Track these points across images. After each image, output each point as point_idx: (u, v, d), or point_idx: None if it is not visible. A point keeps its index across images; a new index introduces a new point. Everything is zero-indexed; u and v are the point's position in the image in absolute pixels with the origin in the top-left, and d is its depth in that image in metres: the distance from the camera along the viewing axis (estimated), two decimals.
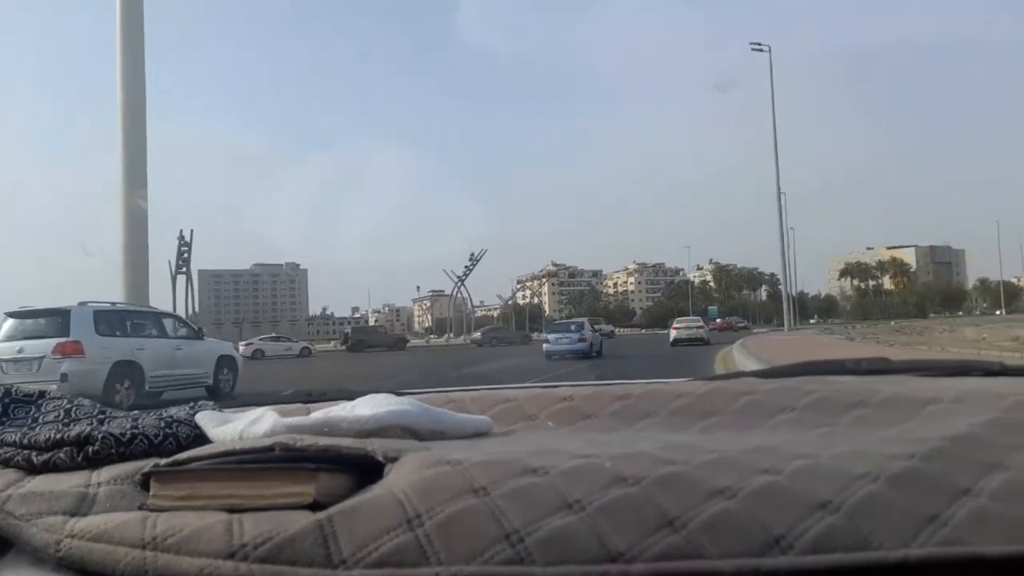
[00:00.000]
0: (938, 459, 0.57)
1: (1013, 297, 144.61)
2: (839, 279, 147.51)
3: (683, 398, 0.90)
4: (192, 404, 0.97)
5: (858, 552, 0.49)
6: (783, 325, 52.86)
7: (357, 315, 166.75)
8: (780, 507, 0.52)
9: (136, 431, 0.82)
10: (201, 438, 0.84)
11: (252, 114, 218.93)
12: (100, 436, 0.79)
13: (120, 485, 0.72)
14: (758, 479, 0.55)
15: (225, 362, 13.07)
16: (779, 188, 33.74)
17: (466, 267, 74.54)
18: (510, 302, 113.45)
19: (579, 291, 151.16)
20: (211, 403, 1.00)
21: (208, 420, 0.86)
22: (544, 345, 22.96)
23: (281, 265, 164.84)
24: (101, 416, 0.90)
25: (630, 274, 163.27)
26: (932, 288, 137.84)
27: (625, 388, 0.97)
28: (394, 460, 0.64)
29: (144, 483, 0.71)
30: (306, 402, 1.15)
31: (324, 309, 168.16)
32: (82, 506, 0.68)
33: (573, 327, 23.24)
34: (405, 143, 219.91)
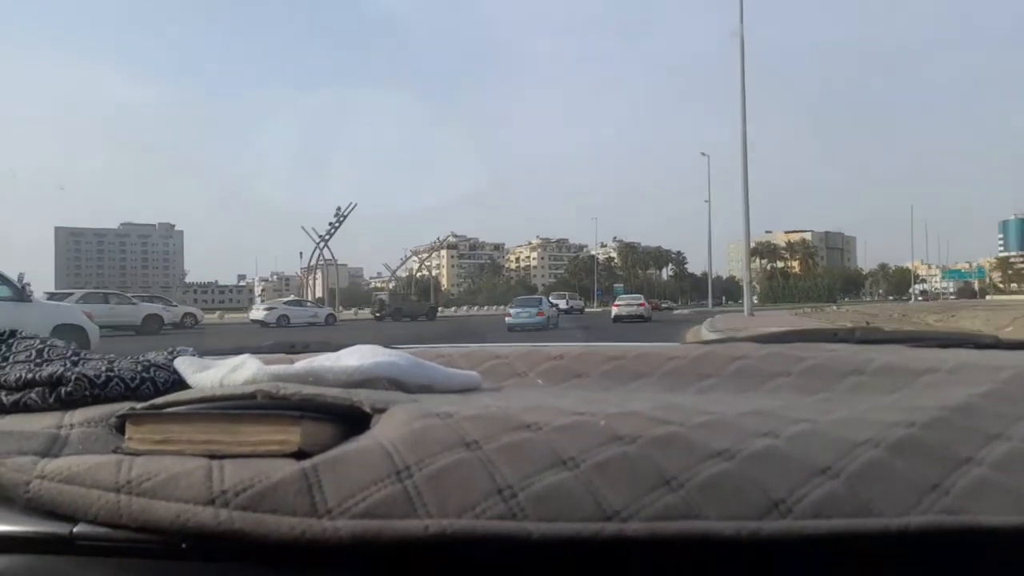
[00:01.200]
0: (939, 428, 0.56)
1: (908, 284, 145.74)
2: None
3: (676, 360, 0.89)
4: (171, 349, 0.94)
5: (859, 519, 0.48)
6: (706, 305, 50.80)
7: (242, 283, 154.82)
8: (779, 471, 0.51)
9: (111, 374, 0.80)
10: (180, 383, 0.82)
11: (135, 64, 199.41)
12: (74, 377, 0.77)
13: (94, 428, 0.69)
14: (757, 442, 0.54)
15: (65, 332, 10.15)
16: (746, 173, 25.86)
17: (331, 224, 57.99)
18: (399, 273, 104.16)
19: (478, 264, 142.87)
20: (190, 348, 0.96)
21: (187, 365, 0.84)
22: (506, 318, 25.48)
23: (153, 226, 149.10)
24: (75, 358, 0.88)
25: (533, 249, 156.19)
26: (834, 273, 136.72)
27: (617, 349, 0.96)
28: (382, 411, 0.63)
29: (119, 427, 0.68)
30: (289, 352, 1.13)
31: (216, 281, 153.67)
32: (53, 447, 0.65)
33: (533, 303, 26.38)
34: (303, 92, 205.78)
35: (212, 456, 0.59)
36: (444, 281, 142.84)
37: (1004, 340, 1.01)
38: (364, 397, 0.65)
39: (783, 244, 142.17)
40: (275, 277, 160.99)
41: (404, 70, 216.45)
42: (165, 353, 0.91)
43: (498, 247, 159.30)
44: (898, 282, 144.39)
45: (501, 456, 0.54)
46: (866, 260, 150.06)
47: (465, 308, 75.20)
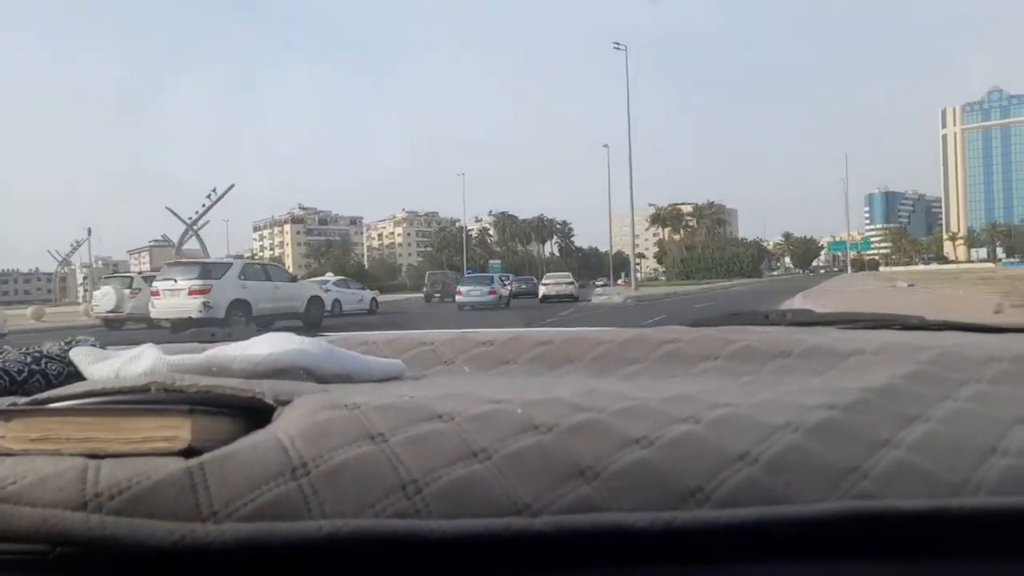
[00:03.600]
0: (859, 410, 0.57)
1: (813, 256, 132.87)
2: (647, 229, 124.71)
3: (605, 345, 0.88)
4: (69, 339, 0.87)
5: (775, 506, 0.48)
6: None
7: (66, 269, 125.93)
8: (697, 457, 0.50)
9: None
10: (75, 376, 0.77)
11: None
12: None
13: None
14: (676, 428, 0.53)
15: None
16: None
17: (203, 206, 43.84)
18: (247, 255, 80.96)
19: (326, 241, 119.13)
20: (90, 339, 0.90)
21: (83, 356, 0.78)
22: (457, 297, 25.66)
23: None
24: None
25: (398, 223, 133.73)
26: (748, 244, 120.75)
27: (547, 334, 0.95)
28: (285, 403, 0.58)
29: None
30: (205, 342, 1.07)
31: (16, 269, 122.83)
32: None
33: (484, 280, 26.78)
34: (111, 40, 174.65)
35: (92, 455, 0.53)
36: (288, 261, 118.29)
37: (930, 321, 1.03)
38: (267, 388, 0.60)
39: (699, 206, 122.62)
40: (100, 263, 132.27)
41: (269, 34, 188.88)
42: (62, 343, 0.85)
43: (355, 221, 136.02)
44: (803, 253, 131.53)
45: (407, 448, 0.51)
46: (747, 234, 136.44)
47: None
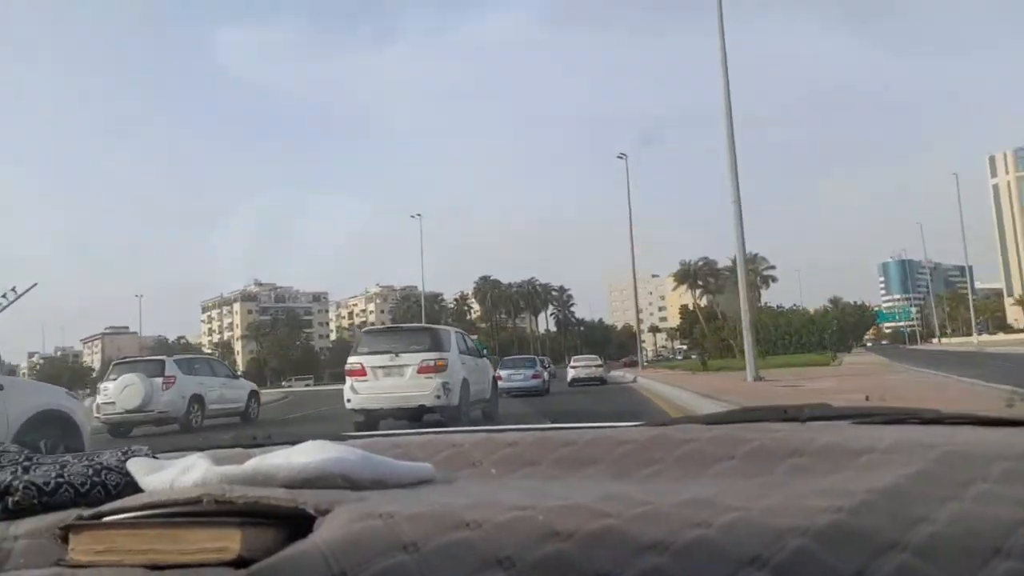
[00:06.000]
0: (864, 513, 0.57)
1: (867, 327, 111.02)
2: (673, 290, 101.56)
3: (627, 445, 0.89)
4: (125, 449, 0.92)
5: None
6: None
7: (34, 359, 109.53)
8: (710, 563, 0.52)
9: (61, 479, 0.78)
10: (132, 486, 0.80)
11: None
12: (21, 486, 0.75)
13: (38, 539, 0.68)
14: (689, 533, 0.54)
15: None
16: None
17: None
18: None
19: (272, 320, 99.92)
20: (144, 448, 0.95)
21: (139, 467, 0.82)
22: (498, 381, 19.11)
23: None
24: (26, 463, 0.85)
25: (370, 300, 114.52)
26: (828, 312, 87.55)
27: (571, 434, 0.96)
28: (326, 513, 0.62)
29: (64, 536, 0.66)
30: (247, 447, 1.12)
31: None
32: None
33: (527, 363, 24.12)
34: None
35: (152, 566, 0.58)
36: (237, 345, 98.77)
37: (945, 415, 1.02)
38: (309, 498, 0.64)
39: (723, 266, 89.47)
40: (60, 352, 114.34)
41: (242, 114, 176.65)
42: (119, 453, 0.89)
43: (318, 297, 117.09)
44: (856, 323, 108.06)
45: (438, 559, 0.54)
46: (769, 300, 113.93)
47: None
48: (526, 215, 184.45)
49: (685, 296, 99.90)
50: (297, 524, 0.62)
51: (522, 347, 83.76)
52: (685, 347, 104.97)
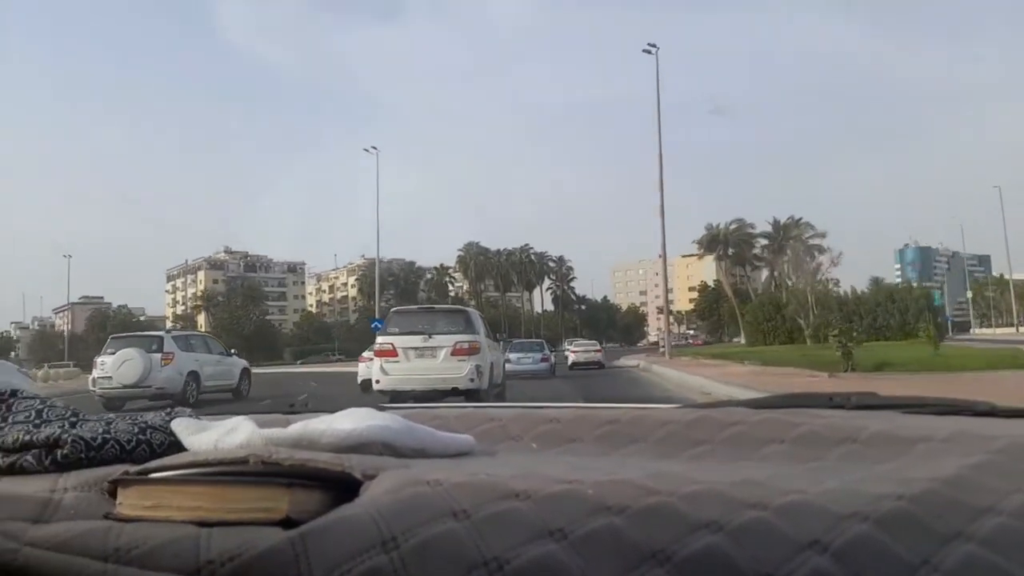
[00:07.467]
0: (928, 501, 0.56)
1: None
2: (700, 258, 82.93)
3: (671, 425, 0.88)
4: (168, 410, 0.93)
5: None
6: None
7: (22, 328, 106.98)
8: (768, 544, 0.51)
9: (108, 436, 0.80)
10: (176, 445, 0.81)
11: None
12: (70, 439, 0.77)
13: (87, 492, 0.69)
14: (746, 513, 0.53)
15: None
16: None
17: None
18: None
19: (225, 290, 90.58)
20: (188, 410, 0.96)
21: (184, 427, 0.83)
22: (506, 364, 20.27)
23: None
24: (73, 419, 0.86)
25: (352, 272, 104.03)
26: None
27: (613, 412, 0.96)
28: (372, 478, 0.62)
29: (112, 491, 0.68)
30: (286, 413, 1.12)
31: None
32: (44, 512, 0.65)
33: (535, 347, 25.13)
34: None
35: (201, 523, 0.58)
36: (202, 317, 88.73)
37: (999, 408, 1.01)
38: (355, 463, 0.64)
39: (761, 231, 74.30)
40: (36, 323, 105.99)
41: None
42: (163, 414, 0.90)
43: (293, 268, 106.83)
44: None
45: (488, 526, 0.54)
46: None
47: None
48: (526, 190, 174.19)
49: (696, 272, 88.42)
50: (343, 488, 0.62)
51: (513, 328, 73.59)
52: (693, 331, 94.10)
